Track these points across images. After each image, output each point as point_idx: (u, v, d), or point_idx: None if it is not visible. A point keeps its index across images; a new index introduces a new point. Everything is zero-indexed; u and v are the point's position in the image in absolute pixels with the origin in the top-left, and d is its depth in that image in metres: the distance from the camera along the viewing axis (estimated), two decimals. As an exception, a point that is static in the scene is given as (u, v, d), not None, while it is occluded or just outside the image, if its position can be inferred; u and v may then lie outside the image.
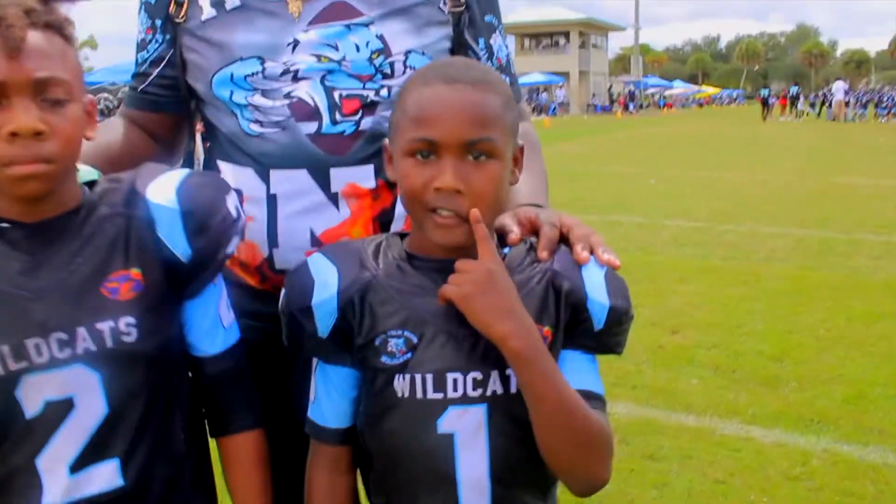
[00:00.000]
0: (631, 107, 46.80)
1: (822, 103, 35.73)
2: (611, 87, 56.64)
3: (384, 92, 1.29)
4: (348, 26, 1.28)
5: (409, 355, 1.06)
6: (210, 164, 1.40)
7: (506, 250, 1.13)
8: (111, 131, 1.43)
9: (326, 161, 1.27)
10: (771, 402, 3.68)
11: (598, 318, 1.09)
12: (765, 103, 35.97)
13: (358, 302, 1.08)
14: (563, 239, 1.14)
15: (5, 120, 0.94)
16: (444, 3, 1.34)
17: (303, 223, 1.28)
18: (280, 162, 1.28)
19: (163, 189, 1.08)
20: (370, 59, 1.28)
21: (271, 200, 1.28)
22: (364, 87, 1.29)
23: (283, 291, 1.13)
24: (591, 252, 1.11)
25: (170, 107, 1.42)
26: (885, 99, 35.25)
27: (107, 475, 1.02)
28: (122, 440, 1.03)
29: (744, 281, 5.89)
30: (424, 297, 1.08)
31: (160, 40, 1.37)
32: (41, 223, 1.02)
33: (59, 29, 1.00)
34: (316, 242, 1.28)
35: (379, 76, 1.29)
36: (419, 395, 1.06)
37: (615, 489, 2.89)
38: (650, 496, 2.87)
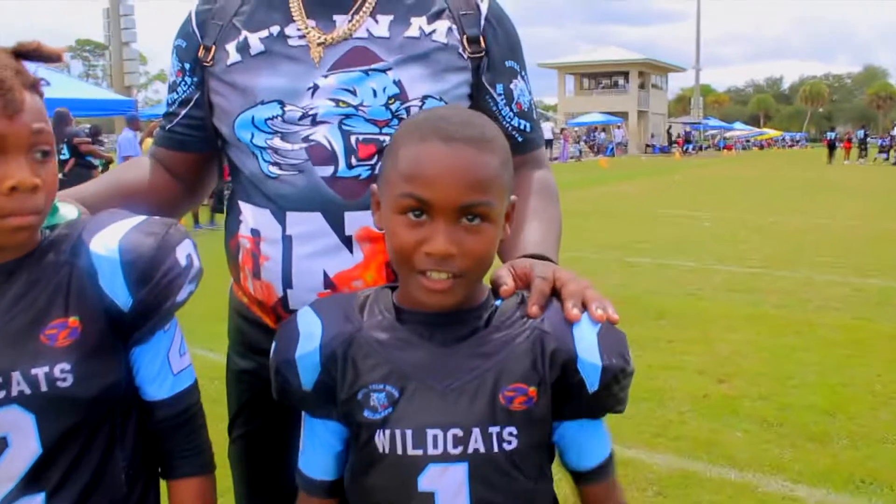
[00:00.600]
0: (689, 147, 46.24)
1: (891, 147, 34.74)
2: (669, 127, 56.14)
3: None
4: (366, 72, 1.29)
5: (389, 410, 1.04)
6: (232, 205, 1.43)
7: (498, 302, 1.10)
8: (138, 169, 1.49)
9: (341, 204, 1.29)
10: (819, 460, 3.54)
11: (591, 380, 1.04)
12: (832, 146, 35.22)
13: (341, 356, 1.07)
14: (557, 294, 1.11)
15: (5, 175, 0.99)
16: (464, 49, 1.34)
17: (317, 265, 1.30)
18: (296, 204, 1.30)
19: (106, 240, 1.10)
20: (387, 105, 1.29)
21: (287, 242, 1.30)
22: (381, 132, 1.29)
23: (273, 344, 1.13)
24: (585, 308, 1.08)
25: (195, 146, 1.46)
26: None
27: None
28: (53, 476, 1.05)
29: (796, 330, 5.70)
30: (408, 350, 1.06)
31: (189, 83, 1.42)
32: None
33: (37, 88, 1.06)
34: (329, 284, 1.29)
35: (395, 121, 1.29)
36: (399, 451, 1.04)
37: (648, 545, 2.80)
38: (685, 554, 2.77)
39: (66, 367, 1.04)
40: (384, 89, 1.29)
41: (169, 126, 1.47)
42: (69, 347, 1.05)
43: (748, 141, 62.24)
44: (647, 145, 49.13)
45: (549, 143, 20.28)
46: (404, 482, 1.04)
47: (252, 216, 1.35)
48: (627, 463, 3.44)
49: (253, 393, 1.42)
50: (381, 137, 1.29)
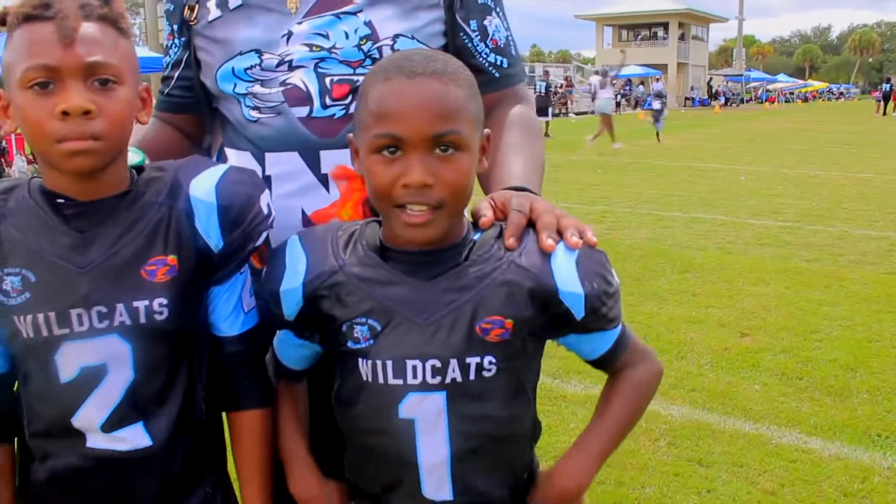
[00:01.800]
0: (722, 99, 45.07)
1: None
2: (710, 80, 54.86)
3: None
4: (338, 15, 1.34)
5: (371, 342, 1.09)
6: (220, 153, 1.47)
7: (476, 235, 1.12)
8: (150, 130, 1.52)
9: (317, 143, 1.33)
10: (836, 414, 3.51)
11: (576, 309, 1.08)
12: (886, 97, 34.20)
13: (323, 292, 1.11)
14: (532, 225, 1.12)
15: (59, 100, 1.04)
16: None
17: (294, 203, 1.34)
18: (274, 145, 1.35)
19: (203, 184, 1.17)
20: (359, 46, 1.33)
21: (266, 182, 1.34)
22: (355, 73, 1.33)
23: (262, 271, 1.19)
24: (561, 237, 1.09)
25: (192, 107, 1.51)
26: None
27: (136, 436, 1.14)
28: (147, 406, 1.14)
29: (825, 285, 5.62)
30: (389, 286, 1.10)
31: (178, 44, 1.47)
32: (92, 203, 1.12)
33: (113, 22, 1.10)
34: (307, 222, 1.34)
35: (368, 61, 1.33)
36: (381, 380, 1.09)
37: (655, 493, 2.83)
38: (692, 502, 2.79)
39: (164, 301, 1.12)
40: (356, 31, 1.34)
41: (166, 90, 1.52)
42: (167, 284, 1.13)
43: (792, 94, 60.55)
44: (687, 98, 48.09)
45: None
46: (386, 409, 1.10)
47: (236, 160, 1.40)
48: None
49: None
50: (355, 78, 1.33)
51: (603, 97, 16.76)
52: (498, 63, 1.45)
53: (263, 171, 1.35)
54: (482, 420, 1.09)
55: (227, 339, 1.23)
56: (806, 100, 60.05)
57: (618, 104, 34.90)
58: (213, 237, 1.16)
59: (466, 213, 1.15)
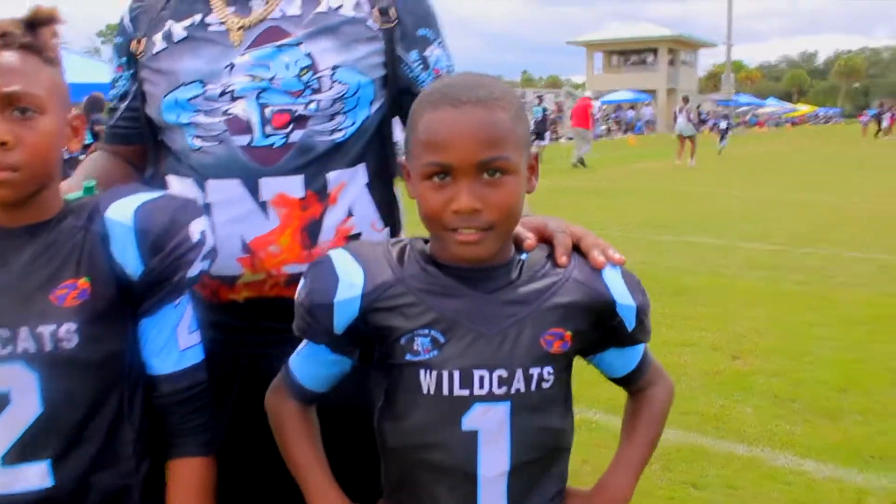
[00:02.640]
0: (710, 123, 45.48)
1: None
2: (700, 105, 55.33)
3: (312, 106, 1.37)
4: (279, 47, 1.38)
5: (435, 353, 1.10)
6: (162, 181, 1.47)
7: (523, 256, 1.17)
8: (99, 162, 1.55)
9: (257, 171, 1.35)
10: (829, 435, 3.53)
11: (629, 320, 1.16)
12: (878, 120, 34.73)
13: (383, 304, 1.11)
14: (575, 247, 1.20)
15: None
16: (374, 20, 1.42)
17: (234, 230, 1.35)
18: (215, 172, 1.37)
19: (122, 208, 1.14)
20: (299, 76, 1.37)
21: (207, 209, 1.35)
22: (295, 102, 1.37)
23: (302, 283, 1.16)
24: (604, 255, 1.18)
25: (135, 138, 1.52)
26: None
27: (36, 475, 1.07)
28: (56, 443, 1.07)
29: (816, 307, 5.66)
30: (451, 298, 1.12)
31: (126, 77, 1.51)
32: (16, 229, 1.11)
33: (38, 51, 1.10)
34: (246, 250, 1.35)
35: (308, 91, 1.37)
36: (445, 391, 1.10)
37: (651, 516, 2.84)
38: (687, 526, 2.80)
39: (73, 327, 1.07)
40: (296, 62, 1.38)
41: (112, 122, 1.55)
42: (77, 308, 1.08)
43: (780, 118, 61.10)
44: (677, 123, 48.45)
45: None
46: (448, 421, 1.10)
47: (177, 186, 1.41)
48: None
49: None
50: (295, 107, 1.37)
51: (682, 121, 20.44)
52: None
53: (205, 197, 1.37)
54: (542, 432, 1.13)
55: (160, 377, 1.17)
56: (794, 124, 60.58)
57: (609, 129, 35.20)
58: (130, 262, 1.12)
59: None
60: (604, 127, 35.54)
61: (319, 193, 1.36)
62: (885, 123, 35.01)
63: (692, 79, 60.41)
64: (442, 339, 1.10)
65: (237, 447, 1.32)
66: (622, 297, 1.15)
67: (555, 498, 1.20)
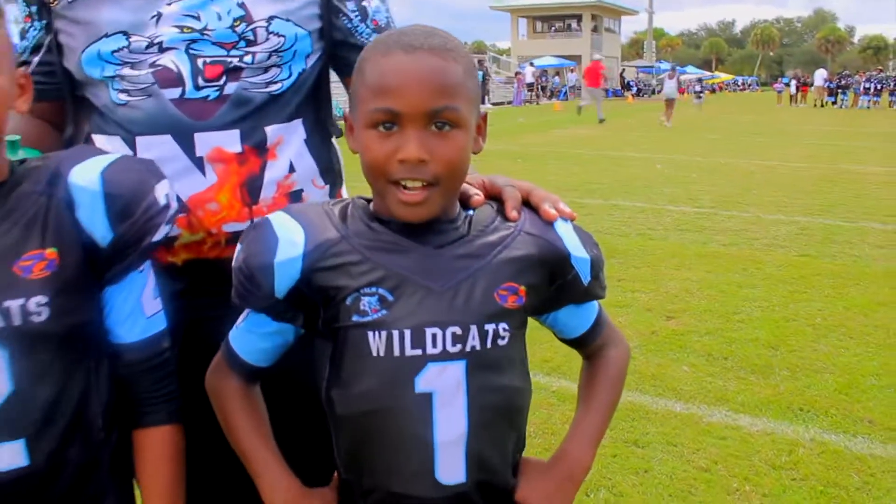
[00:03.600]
0: (634, 90, 46.38)
1: (838, 90, 35.24)
2: (623, 71, 56.13)
3: (248, 58, 1.31)
4: None
5: (383, 312, 1.04)
6: (86, 142, 1.38)
7: (470, 212, 1.13)
8: (16, 122, 1.41)
9: (191, 126, 1.28)
10: (761, 391, 3.65)
11: (584, 273, 1.13)
12: (798, 88, 36.13)
13: (326, 263, 1.05)
14: (524, 202, 1.16)
15: None
16: None
17: None
18: (145, 128, 1.29)
19: (86, 172, 1.07)
20: (232, 27, 1.30)
21: None
22: (228, 55, 1.30)
23: (238, 247, 1.10)
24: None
25: (53, 94, 1.39)
26: (899, 86, 34.82)
27: (10, 454, 1.00)
28: (29, 421, 1.01)
29: (743, 268, 5.83)
30: (399, 253, 1.06)
31: (38, 27, 1.37)
32: None
33: None
34: (183, 208, 1.28)
35: (242, 43, 1.30)
36: (396, 352, 1.04)
37: (595, 474, 2.87)
38: (631, 482, 2.85)
39: (43, 300, 1.00)
40: (228, 12, 1.30)
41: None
42: (46, 280, 1.01)
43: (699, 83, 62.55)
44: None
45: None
46: (401, 384, 1.04)
47: (103, 146, 1.31)
48: (573, 399, 3.50)
49: None
50: (229, 59, 1.30)
51: (670, 86, 22.00)
52: None
53: (135, 155, 1.28)
54: (499, 391, 1.08)
55: (126, 346, 1.12)
56: (713, 91, 62.18)
57: (538, 95, 35.49)
58: (98, 229, 1.05)
59: None
60: (529, 93, 35.70)
61: (258, 148, 1.30)
62: (791, 91, 36.32)
63: (615, 45, 61.16)
64: (390, 298, 1.04)
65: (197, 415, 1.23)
66: (576, 249, 1.12)
67: (514, 459, 1.16)
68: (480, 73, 22.27)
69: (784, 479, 2.88)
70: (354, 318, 1.04)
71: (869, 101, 32.21)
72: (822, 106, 32.59)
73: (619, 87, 47.63)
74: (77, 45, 1.30)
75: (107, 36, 1.28)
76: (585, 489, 2.78)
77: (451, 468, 1.07)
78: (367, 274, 1.05)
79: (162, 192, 1.11)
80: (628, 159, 12.93)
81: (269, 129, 1.31)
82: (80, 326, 1.06)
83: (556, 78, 44.85)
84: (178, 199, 1.26)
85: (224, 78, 1.29)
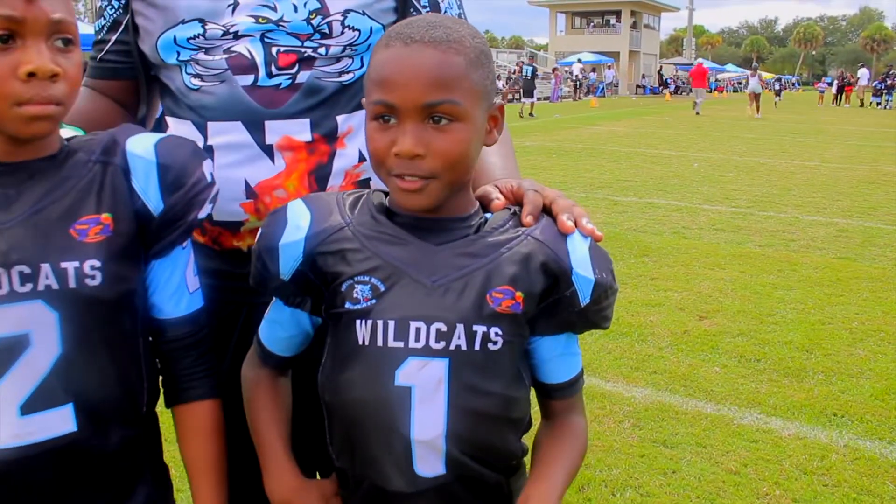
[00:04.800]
0: (672, 87, 45.76)
1: (883, 91, 34.44)
2: (661, 68, 55.52)
3: (322, 50, 1.30)
4: None
5: (373, 301, 1.04)
6: (160, 123, 1.40)
7: (488, 215, 1.11)
8: (80, 99, 1.43)
9: (262, 113, 1.28)
10: (794, 394, 3.58)
11: (584, 293, 1.06)
12: (840, 90, 35.36)
13: (326, 248, 1.06)
14: (546, 210, 1.12)
15: (22, 60, 0.95)
16: None
17: (237, 174, 1.29)
18: (217, 114, 1.29)
19: (142, 141, 1.09)
20: (308, 20, 1.29)
21: (208, 152, 1.28)
22: (303, 46, 1.29)
23: (259, 231, 1.13)
24: (575, 223, 1.09)
25: (127, 73, 1.42)
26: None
27: (59, 420, 1.01)
28: (77, 386, 1.02)
29: (779, 269, 5.73)
30: (396, 245, 1.05)
31: (115, 6, 1.40)
32: (21, 163, 1.02)
33: None
34: (251, 194, 1.29)
35: (317, 36, 1.29)
36: (380, 342, 1.03)
37: (622, 473, 2.85)
38: (657, 482, 2.81)
39: (97, 263, 1.01)
40: (304, 4, 1.29)
41: (99, 56, 1.44)
42: (100, 244, 1.02)
43: (739, 83, 61.64)
44: (638, 86, 48.63)
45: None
46: (382, 375, 1.03)
47: (176, 130, 1.33)
48: (605, 396, 3.48)
49: None
50: (303, 49, 1.29)
51: (754, 82, 25.94)
52: None
53: (205, 140, 1.29)
54: (484, 395, 1.04)
55: (170, 321, 1.14)
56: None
57: (576, 89, 35.31)
58: (152, 198, 1.08)
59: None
60: (567, 88, 35.48)
61: (327, 137, 1.30)
62: (833, 91, 35.58)
63: (654, 42, 60.52)
64: (382, 288, 1.04)
65: (235, 396, 1.24)
66: (581, 266, 1.05)
67: (507, 469, 1.12)
68: (530, 68, 22.56)
69: (815, 484, 2.83)
70: (347, 305, 1.05)
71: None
72: (863, 105, 32.08)
73: (658, 85, 47.05)
74: (154, 29, 1.32)
75: (183, 22, 1.29)
76: (612, 489, 2.75)
77: (429, 464, 1.05)
78: (362, 262, 1.05)
79: (207, 169, 1.14)
80: (664, 157, 12.78)
81: (340, 119, 1.31)
82: (129, 295, 1.07)
83: (594, 74, 44.48)
84: (246, 184, 1.29)
85: (297, 66, 1.29)
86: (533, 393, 1.16)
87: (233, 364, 1.28)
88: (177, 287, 1.14)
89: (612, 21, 54.72)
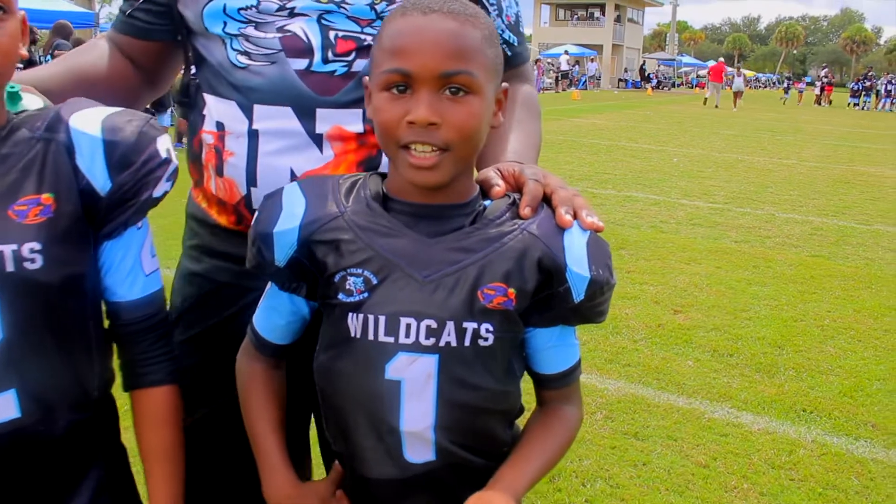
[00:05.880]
0: (654, 82, 46.02)
1: (861, 92, 34.80)
2: (643, 63, 55.71)
3: None
4: None
5: (365, 295, 1.03)
6: (196, 100, 1.34)
7: (487, 203, 1.09)
8: (95, 52, 1.38)
9: (314, 99, 1.22)
10: (765, 389, 3.62)
11: (578, 290, 1.04)
12: (823, 89, 35.76)
13: (320, 237, 1.05)
14: (546, 200, 1.09)
15: None
16: None
17: (283, 162, 1.23)
18: (265, 97, 1.23)
19: (88, 117, 1.04)
20: (371, 4, 1.22)
21: (253, 136, 1.23)
22: (362, 31, 1.23)
23: (255, 215, 1.11)
24: (575, 216, 1.06)
25: (157, 34, 1.36)
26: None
27: (2, 406, 0.98)
28: (21, 371, 0.99)
29: (754, 265, 5.78)
30: (390, 237, 1.04)
31: None
32: None
33: None
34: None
35: (379, 22, 1.22)
36: (371, 336, 1.03)
37: (593, 465, 2.86)
38: (628, 474, 2.83)
39: (36, 246, 0.97)
40: None
41: (130, 10, 1.36)
42: (41, 226, 0.98)
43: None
44: (620, 80, 48.75)
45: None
46: (372, 368, 1.03)
47: (216, 108, 1.27)
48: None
49: (201, 294, 1.37)
50: (363, 36, 1.23)
51: (739, 81, 29.31)
52: (510, 41, 1.38)
53: (251, 123, 1.24)
54: (472, 390, 1.04)
55: (125, 304, 1.10)
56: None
57: (557, 81, 35.36)
58: (98, 177, 1.03)
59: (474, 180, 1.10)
60: (549, 80, 35.49)
61: None
62: (816, 91, 35.94)
63: (638, 37, 60.67)
64: (374, 281, 1.03)
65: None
66: (576, 263, 1.03)
67: (498, 455, 1.11)
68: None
69: (783, 478, 2.86)
70: (340, 297, 1.04)
71: (890, 102, 31.85)
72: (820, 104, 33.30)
73: (639, 79, 47.22)
74: None
75: None
76: (582, 480, 2.77)
77: (419, 452, 1.06)
78: (356, 254, 1.04)
79: (163, 146, 1.08)
80: (644, 151, 12.84)
81: None
82: (75, 279, 1.03)
83: (577, 67, 44.51)
84: (292, 173, 1.23)
85: (354, 54, 1.22)
86: (529, 379, 1.16)
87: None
88: (130, 269, 1.10)
89: (596, 14, 54.75)
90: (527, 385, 1.15)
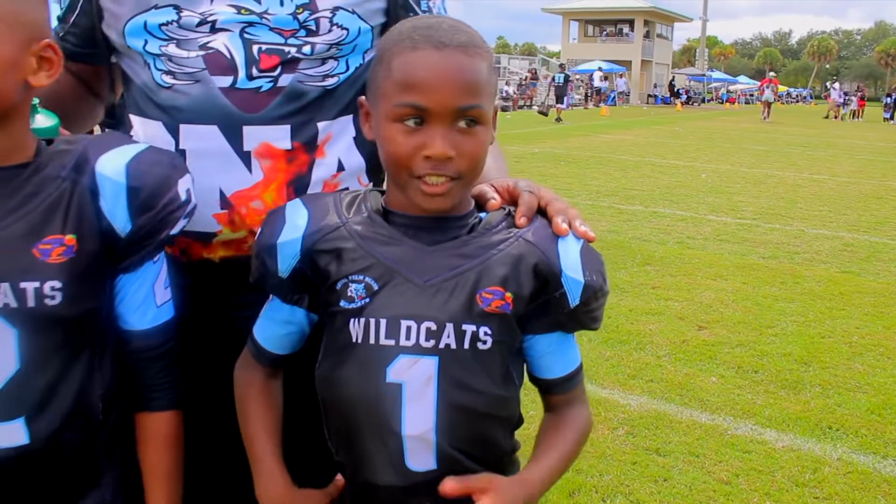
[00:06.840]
0: (684, 97, 45.76)
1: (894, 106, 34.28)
2: (673, 79, 55.47)
3: (307, 49, 1.24)
4: None
5: (367, 300, 1.07)
6: (123, 119, 1.34)
7: (483, 215, 1.13)
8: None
9: (240, 118, 1.22)
10: (790, 406, 3.58)
11: (574, 294, 1.08)
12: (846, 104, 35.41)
13: (323, 246, 1.09)
14: (541, 211, 1.13)
15: None
16: None
17: (212, 182, 1.22)
18: (191, 116, 1.22)
19: (113, 161, 1.07)
20: (294, 14, 1.23)
21: (179, 156, 1.21)
22: (286, 43, 1.23)
23: (258, 230, 1.15)
24: (569, 225, 1.11)
25: (84, 57, 1.35)
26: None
27: (11, 433, 1.02)
28: (31, 401, 1.03)
29: (781, 281, 5.72)
30: (391, 245, 1.08)
31: None
32: None
33: None
34: (226, 204, 1.23)
35: (303, 32, 1.23)
36: (372, 339, 1.06)
37: (614, 480, 2.85)
38: (648, 490, 2.82)
39: (57, 284, 1.01)
40: None
41: (62, 33, 1.35)
42: (63, 266, 1.02)
43: (752, 95, 61.51)
44: (650, 95, 48.56)
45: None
46: (373, 372, 1.06)
47: (143, 129, 1.27)
48: (601, 402, 3.48)
49: None
50: (286, 48, 1.23)
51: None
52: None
53: (177, 144, 1.23)
54: (471, 393, 1.06)
55: (136, 333, 1.14)
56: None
57: (587, 97, 35.42)
58: (119, 220, 1.07)
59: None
60: (577, 97, 35.49)
61: (308, 145, 1.24)
62: (854, 106, 35.43)
63: (667, 52, 60.46)
64: (375, 287, 1.06)
65: (211, 410, 1.25)
66: (571, 269, 1.07)
67: (498, 462, 1.13)
68: (562, 75, 23.23)
69: (807, 496, 2.83)
70: (342, 304, 1.08)
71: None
72: (837, 118, 33.53)
73: (669, 95, 46.99)
74: (123, 13, 1.24)
75: (156, 7, 1.21)
76: (603, 495, 2.76)
77: (421, 458, 1.08)
78: (357, 261, 1.07)
79: (184, 186, 1.12)
80: (672, 167, 12.78)
81: (321, 125, 1.26)
82: (90, 312, 1.07)
83: (605, 83, 44.46)
84: (221, 193, 1.23)
85: (279, 69, 1.23)
86: (532, 388, 1.19)
87: (208, 379, 1.27)
88: (143, 300, 1.14)
89: (626, 30, 54.70)
90: (530, 393, 1.17)
